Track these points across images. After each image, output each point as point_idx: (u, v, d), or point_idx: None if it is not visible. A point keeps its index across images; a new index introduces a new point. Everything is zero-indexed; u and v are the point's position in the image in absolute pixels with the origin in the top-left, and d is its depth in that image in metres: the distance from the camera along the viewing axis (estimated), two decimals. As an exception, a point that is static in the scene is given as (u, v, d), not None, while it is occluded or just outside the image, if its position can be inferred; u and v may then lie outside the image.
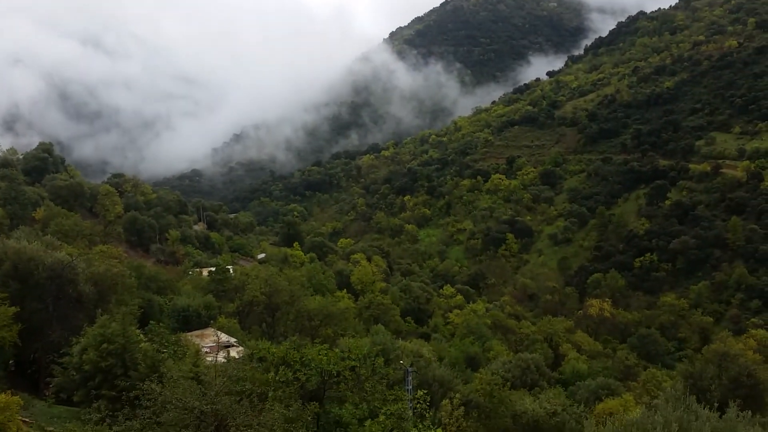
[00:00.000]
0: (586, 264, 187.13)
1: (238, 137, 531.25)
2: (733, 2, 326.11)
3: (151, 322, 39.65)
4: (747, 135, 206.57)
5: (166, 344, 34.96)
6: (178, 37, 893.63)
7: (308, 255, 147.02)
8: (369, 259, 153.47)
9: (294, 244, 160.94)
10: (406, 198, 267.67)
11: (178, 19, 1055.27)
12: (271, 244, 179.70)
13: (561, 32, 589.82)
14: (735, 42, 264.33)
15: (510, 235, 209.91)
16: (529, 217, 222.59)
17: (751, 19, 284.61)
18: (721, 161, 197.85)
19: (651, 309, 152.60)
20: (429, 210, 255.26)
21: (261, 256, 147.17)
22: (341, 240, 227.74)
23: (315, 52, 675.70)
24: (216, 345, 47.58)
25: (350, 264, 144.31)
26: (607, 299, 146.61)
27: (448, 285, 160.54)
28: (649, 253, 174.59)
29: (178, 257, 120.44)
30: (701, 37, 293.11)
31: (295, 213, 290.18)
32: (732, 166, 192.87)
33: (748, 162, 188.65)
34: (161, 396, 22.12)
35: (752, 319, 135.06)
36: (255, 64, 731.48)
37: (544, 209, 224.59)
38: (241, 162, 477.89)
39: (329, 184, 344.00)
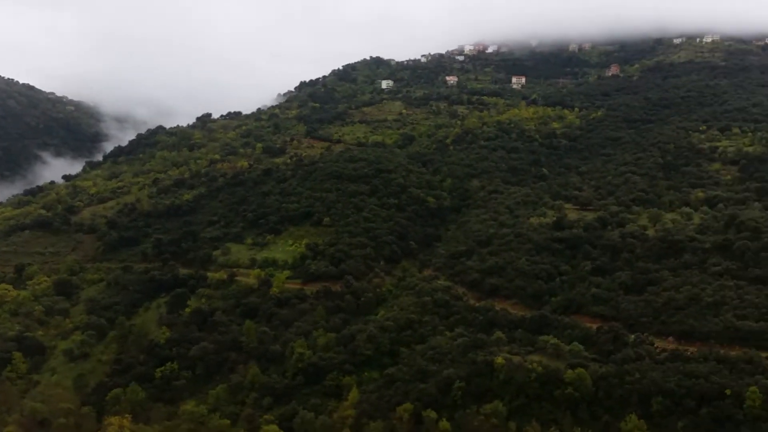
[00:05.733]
0: (105, 379, 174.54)
1: None
2: (243, 128, 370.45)
3: None
4: (257, 246, 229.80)
5: None
6: None
7: None
8: None
9: None
10: None
11: None
12: None
13: (79, 136, 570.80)
14: (246, 163, 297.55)
15: (18, 354, 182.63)
16: (41, 332, 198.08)
17: (259, 144, 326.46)
18: (236, 269, 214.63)
19: (172, 419, 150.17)
20: None
21: None
22: None
23: None
24: None
25: None
26: (127, 415, 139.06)
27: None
28: (170, 362, 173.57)
29: None
30: (217, 156, 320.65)
31: None
32: (246, 274, 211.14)
33: (259, 270, 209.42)
34: None
35: (265, 416, 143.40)
36: None
37: (59, 322, 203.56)
38: None
39: None
